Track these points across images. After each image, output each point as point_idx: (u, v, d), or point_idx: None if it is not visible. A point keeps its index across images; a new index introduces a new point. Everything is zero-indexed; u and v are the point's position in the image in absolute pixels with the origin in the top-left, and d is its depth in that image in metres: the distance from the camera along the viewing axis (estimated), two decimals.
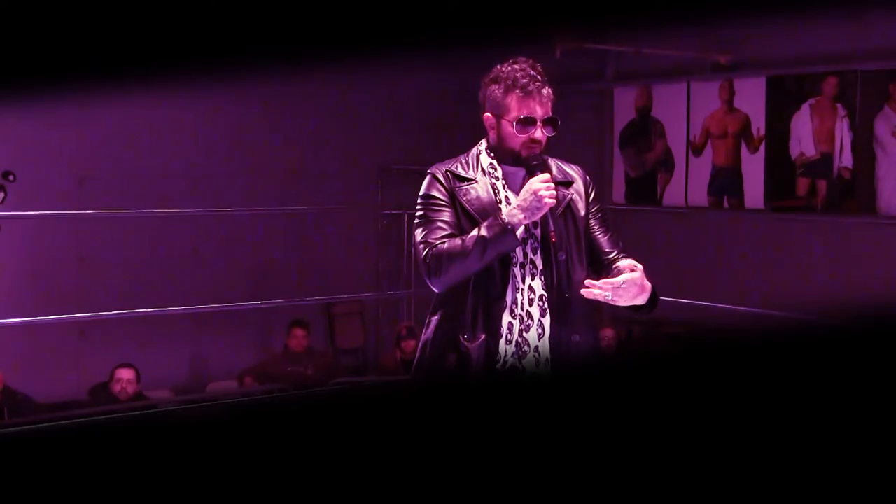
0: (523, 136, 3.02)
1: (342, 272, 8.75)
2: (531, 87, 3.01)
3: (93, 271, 7.68)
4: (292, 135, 8.44)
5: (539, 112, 3.01)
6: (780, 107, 7.53)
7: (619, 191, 8.60)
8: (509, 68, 3.05)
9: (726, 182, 7.90)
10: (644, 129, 8.44)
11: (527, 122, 3.01)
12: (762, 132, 7.64)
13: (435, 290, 3.03)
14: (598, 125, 8.74)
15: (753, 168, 7.71)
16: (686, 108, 8.11)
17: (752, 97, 7.71)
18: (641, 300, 2.94)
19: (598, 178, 3.17)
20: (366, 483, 3.90)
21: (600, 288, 2.88)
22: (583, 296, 3.03)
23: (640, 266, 2.93)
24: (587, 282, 2.92)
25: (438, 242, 2.96)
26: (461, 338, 2.98)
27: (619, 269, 2.97)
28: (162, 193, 7.64)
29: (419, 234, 3.03)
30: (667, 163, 8.29)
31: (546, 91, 3.03)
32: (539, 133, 3.02)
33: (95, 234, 7.68)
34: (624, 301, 2.91)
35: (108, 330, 7.24)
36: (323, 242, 8.69)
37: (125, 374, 6.62)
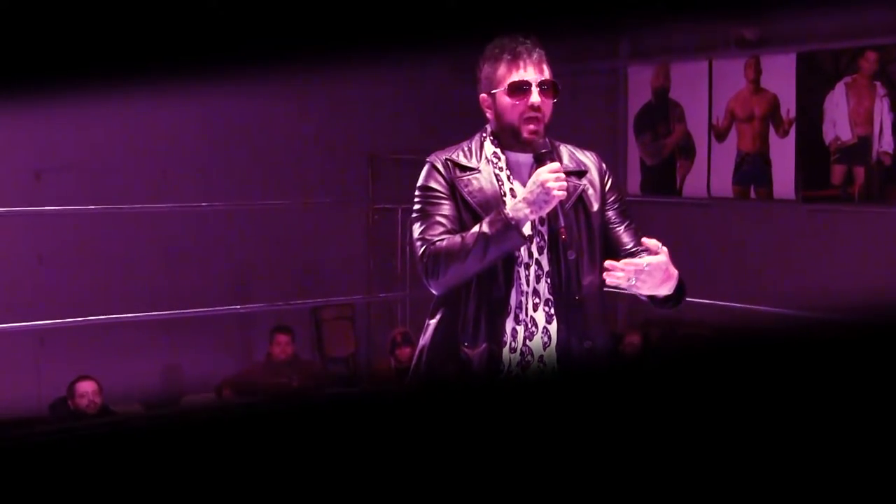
0: (520, 105, 2.98)
1: (330, 273, 8.73)
2: (519, 48, 2.99)
3: (53, 273, 7.65)
4: (272, 122, 8.41)
5: (532, 75, 2.98)
6: (813, 86, 7.52)
7: (633, 180, 8.60)
8: (496, 41, 3.04)
9: (753, 170, 7.89)
10: (662, 113, 8.45)
11: (519, 88, 2.98)
12: (792, 114, 7.64)
13: (433, 292, 3.02)
14: (610, 108, 8.76)
15: (783, 154, 7.71)
16: (708, 88, 8.11)
17: (781, 75, 7.70)
18: (667, 288, 2.88)
19: (610, 167, 3.15)
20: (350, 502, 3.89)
21: (622, 270, 2.82)
22: (596, 297, 3.02)
23: (664, 248, 2.86)
24: (607, 263, 2.86)
25: (437, 239, 2.93)
26: (461, 345, 2.96)
27: (640, 254, 2.92)
28: (129, 188, 7.61)
29: (416, 229, 3.01)
30: (687, 149, 8.29)
31: (537, 53, 3.00)
32: (535, 97, 2.97)
33: (55, 232, 7.64)
34: (648, 288, 2.85)
35: (70, 337, 7.20)
36: (308, 240, 8.67)
37: (87, 386, 6.57)
